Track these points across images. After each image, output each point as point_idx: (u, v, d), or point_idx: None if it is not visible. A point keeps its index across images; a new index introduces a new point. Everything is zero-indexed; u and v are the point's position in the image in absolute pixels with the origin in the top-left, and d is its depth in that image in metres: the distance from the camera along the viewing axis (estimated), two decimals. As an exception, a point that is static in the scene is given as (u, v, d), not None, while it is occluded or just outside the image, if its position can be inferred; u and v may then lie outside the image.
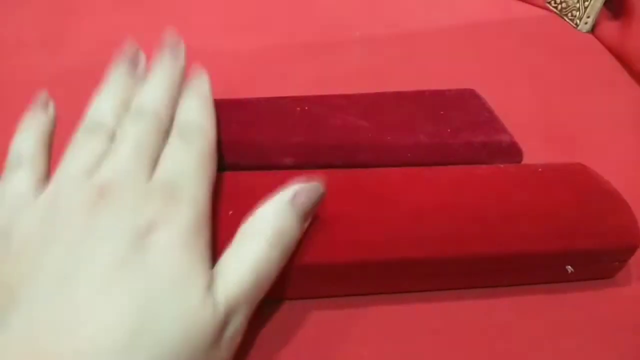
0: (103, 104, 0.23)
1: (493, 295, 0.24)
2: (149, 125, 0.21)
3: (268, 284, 0.19)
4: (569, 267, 0.23)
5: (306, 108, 0.27)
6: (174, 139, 0.21)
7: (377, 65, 0.39)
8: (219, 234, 0.20)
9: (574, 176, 0.25)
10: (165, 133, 0.22)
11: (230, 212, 0.21)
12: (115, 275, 0.16)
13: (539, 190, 0.24)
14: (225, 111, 0.25)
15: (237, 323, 0.18)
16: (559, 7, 0.47)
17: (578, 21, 0.45)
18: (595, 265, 0.24)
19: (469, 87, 0.31)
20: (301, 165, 0.25)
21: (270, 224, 0.19)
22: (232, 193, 0.22)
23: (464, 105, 0.29)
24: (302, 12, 0.45)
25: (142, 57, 0.26)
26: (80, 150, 0.20)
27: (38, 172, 0.21)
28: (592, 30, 0.45)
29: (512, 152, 0.27)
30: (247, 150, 0.25)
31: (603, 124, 0.35)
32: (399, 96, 0.29)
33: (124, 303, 0.15)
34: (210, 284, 0.18)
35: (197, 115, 0.23)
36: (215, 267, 0.18)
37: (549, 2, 0.48)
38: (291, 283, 0.21)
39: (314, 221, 0.21)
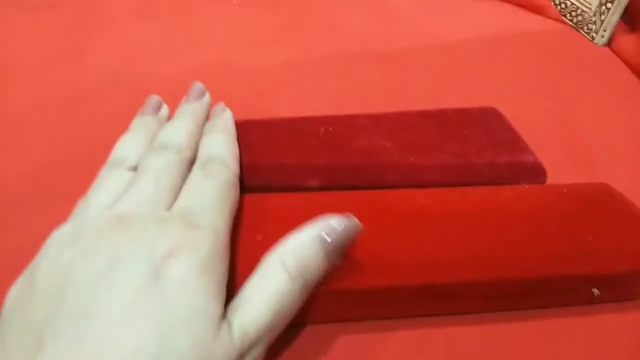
0: (126, 143, 0.23)
1: (519, 318, 0.24)
2: (171, 157, 0.22)
3: (288, 317, 0.19)
4: (595, 289, 0.23)
5: (330, 129, 0.27)
6: (195, 171, 0.22)
7: (395, 80, 0.39)
8: (247, 258, 0.21)
9: (598, 197, 0.25)
10: (188, 166, 0.22)
11: (259, 237, 0.21)
12: (133, 305, 0.16)
13: (565, 212, 0.24)
14: (250, 132, 0.26)
15: (255, 354, 0.18)
16: (575, 20, 0.47)
17: (594, 34, 0.45)
18: (620, 287, 0.24)
19: (487, 102, 0.31)
20: (326, 187, 0.25)
21: (295, 257, 0.19)
22: (259, 216, 0.22)
23: (486, 124, 0.29)
24: (321, 28, 0.45)
25: (165, 106, 0.27)
26: (102, 185, 0.21)
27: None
28: (609, 43, 0.45)
29: (536, 173, 0.27)
30: (272, 173, 0.25)
31: (622, 139, 0.35)
32: (421, 115, 0.29)
33: (142, 334, 0.16)
34: (226, 315, 0.18)
35: (219, 148, 0.23)
36: (235, 298, 0.18)
37: (565, 15, 0.48)
38: (315, 307, 0.21)
39: None
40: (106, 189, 0.21)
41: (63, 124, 0.32)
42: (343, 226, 0.20)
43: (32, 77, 0.37)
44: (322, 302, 0.21)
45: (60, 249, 0.18)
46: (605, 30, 0.44)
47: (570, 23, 0.47)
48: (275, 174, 0.25)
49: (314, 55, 0.41)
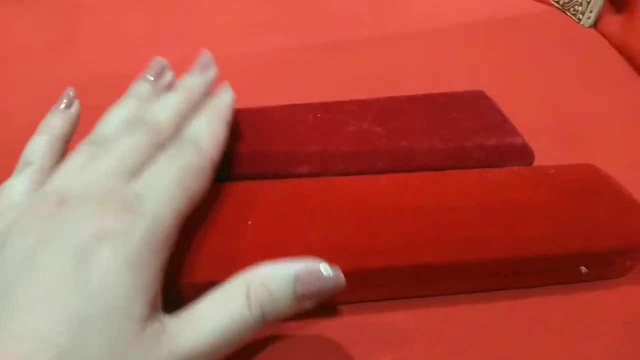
0: (113, 119, 0.22)
1: (508, 297, 0.24)
2: (142, 138, 0.20)
3: (233, 345, 0.18)
4: (583, 267, 0.24)
5: (319, 115, 0.27)
6: (164, 151, 0.20)
7: (385, 65, 0.39)
8: (238, 244, 0.21)
9: (585, 177, 0.26)
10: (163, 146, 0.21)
11: (250, 222, 0.22)
12: (52, 291, 0.15)
13: (552, 192, 0.25)
14: (239, 120, 0.26)
15: None
16: (561, 1, 0.47)
17: (581, 16, 0.45)
18: (608, 265, 0.25)
19: (475, 86, 0.31)
20: (317, 173, 0.25)
21: (262, 289, 0.17)
22: (250, 203, 0.23)
23: (474, 108, 0.29)
24: (310, 15, 0.45)
25: (168, 74, 0.25)
26: (71, 162, 0.20)
27: (40, 178, 0.20)
28: (595, 25, 0.45)
29: (524, 154, 0.27)
30: (262, 160, 0.25)
31: (610, 120, 0.35)
32: (410, 100, 0.29)
33: (54, 324, 0.15)
34: (167, 322, 0.17)
35: (199, 130, 0.22)
36: (187, 308, 0.17)
37: (551, -3, 0.48)
38: None
39: (327, 226, 0.22)
40: (71, 167, 0.20)
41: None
42: (325, 276, 0.18)
43: (18, 71, 0.37)
44: None
45: (9, 219, 0.18)
46: (591, 12, 0.44)
47: (557, 5, 0.47)
48: (265, 162, 0.25)
49: (304, 42, 0.40)
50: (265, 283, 0.17)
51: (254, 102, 0.29)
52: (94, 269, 0.16)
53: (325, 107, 0.28)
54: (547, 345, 0.23)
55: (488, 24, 0.45)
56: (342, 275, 0.18)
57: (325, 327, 0.22)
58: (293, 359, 0.21)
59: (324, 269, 0.18)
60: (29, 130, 0.30)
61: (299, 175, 0.25)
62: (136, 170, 0.19)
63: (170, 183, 0.19)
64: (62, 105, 0.23)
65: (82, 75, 0.36)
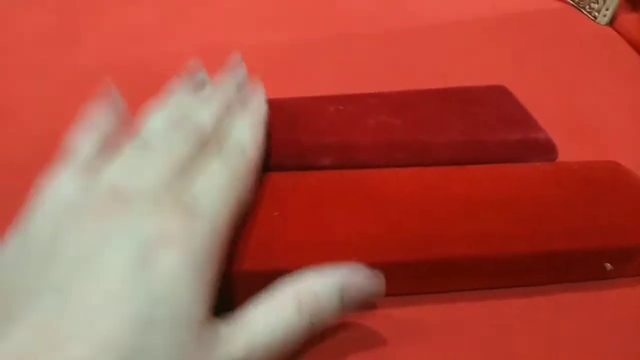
0: (157, 122, 0.22)
1: (532, 293, 0.24)
2: (189, 138, 0.21)
3: (284, 351, 0.18)
4: (608, 264, 0.23)
5: (340, 107, 0.27)
6: (211, 156, 0.21)
7: (397, 60, 0.39)
8: (265, 235, 0.20)
9: (608, 174, 0.26)
10: (205, 146, 0.21)
11: (276, 213, 0.21)
12: (115, 292, 0.15)
13: (576, 188, 0.24)
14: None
15: None
16: (576, -1, 0.47)
17: (596, 14, 0.45)
18: (633, 262, 0.24)
19: (490, 81, 0.31)
20: (338, 165, 0.25)
21: (311, 298, 0.18)
22: (275, 194, 0.22)
23: (496, 102, 0.28)
24: (321, 8, 0.44)
25: (204, 75, 0.26)
26: (120, 157, 0.20)
27: (88, 173, 0.20)
28: (611, 23, 0.45)
29: (547, 150, 0.27)
30: (284, 151, 0.25)
31: (627, 117, 0.35)
32: (429, 93, 0.29)
33: (120, 326, 0.15)
34: (221, 328, 0.17)
35: (242, 135, 0.22)
36: (239, 315, 0.18)
37: (566, -5, 0.47)
38: None
39: (351, 219, 0.21)
40: (120, 167, 0.19)
41: (62, 107, 0.32)
42: (368, 284, 0.19)
43: (28, 61, 0.36)
44: None
45: (59, 217, 0.17)
46: (607, 10, 0.44)
47: (572, 2, 0.47)
48: (287, 153, 0.25)
49: (314, 35, 0.40)
50: (315, 292, 0.18)
51: (269, 94, 0.28)
52: (156, 271, 0.16)
53: (346, 99, 0.27)
54: (570, 341, 0.22)
55: (504, 21, 0.44)
56: (383, 281, 0.19)
57: (349, 320, 0.22)
58: (315, 350, 0.21)
59: (368, 277, 0.19)
60: (40, 118, 0.30)
61: (321, 167, 0.25)
62: (184, 169, 0.19)
63: (223, 187, 0.19)
64: (105, 98, 0.23)
65: (95, 64, 0.36)
